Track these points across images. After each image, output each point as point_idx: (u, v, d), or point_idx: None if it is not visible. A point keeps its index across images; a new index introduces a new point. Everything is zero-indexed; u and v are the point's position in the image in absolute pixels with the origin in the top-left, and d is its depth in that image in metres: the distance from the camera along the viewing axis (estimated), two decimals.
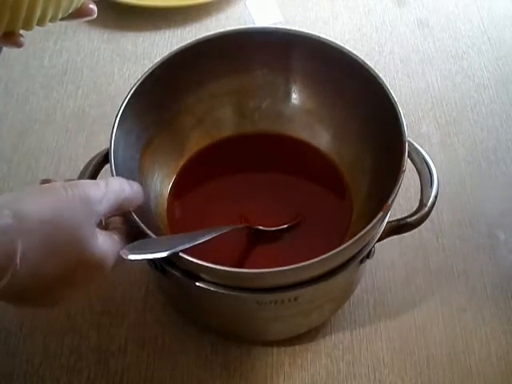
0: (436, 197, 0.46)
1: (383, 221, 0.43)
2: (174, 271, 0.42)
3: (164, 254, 0.37)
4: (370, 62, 0.48)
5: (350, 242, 0.39)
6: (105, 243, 0.36)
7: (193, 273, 0.41)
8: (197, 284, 0.42)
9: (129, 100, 0.46)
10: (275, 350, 0.51)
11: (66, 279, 0.35)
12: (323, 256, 0.38)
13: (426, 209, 0.46)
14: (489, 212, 0.60)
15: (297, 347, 0.52)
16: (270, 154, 0.54)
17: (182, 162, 0.53)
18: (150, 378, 0.50)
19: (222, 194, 0.52)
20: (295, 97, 0.54)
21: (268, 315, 0.46)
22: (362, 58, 0.49)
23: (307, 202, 0.51)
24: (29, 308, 0.38)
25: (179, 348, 0.52)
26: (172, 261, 0.41)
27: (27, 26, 0.40)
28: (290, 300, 0.43)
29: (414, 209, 0.47)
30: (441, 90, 0.70)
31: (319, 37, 0.49)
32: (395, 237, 0.47)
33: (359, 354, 0.52)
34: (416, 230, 0.47)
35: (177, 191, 0.52)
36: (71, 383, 0.50)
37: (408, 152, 0.50)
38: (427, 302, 0.54)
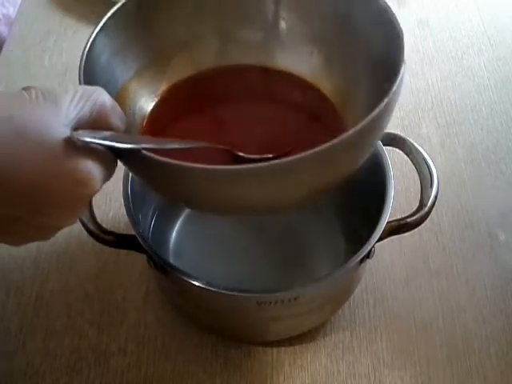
0: (436, 197, 0.46)
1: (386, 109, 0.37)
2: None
3: (124, 146, 0.32)
4: None
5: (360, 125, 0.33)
6: (87, 150, 0.31)
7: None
8: (197, 284, 0.42)
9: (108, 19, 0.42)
10: (275, 350, 0.51)
11: (46, 192, 0.30)
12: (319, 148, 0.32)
13: (426, 209, 0.46)
14: (489, 212, 0.60)
15: (297, 347, 0.52)
16: (257, 86, 0.50)
17: (162, 89, 0.48)
18: (150, 378, 0.50)
19: (205, 121, 0.47)
20: (284, 24, 0.49)
21: (268, 315, 0.46)
22: None
23: (296, 134, 0.46)
24: (15, 240, 0.33)
25: (179, 348, 0.52)
26: (135, 165, 0.36)
27: None
28: (290, 300, 0.43)
29: (414, 209, 0.47)
30: (441, 90, 0.70)
31: None
32: (395, 237, 0.47)
33: (359, 354, 0.51)
34: (416, 229, 0.47)
35: (155, 117, 0.47)
36: (71, 383, 0.50)
37: (408, 152, 0.50)
38: (427, 302, 0.54)
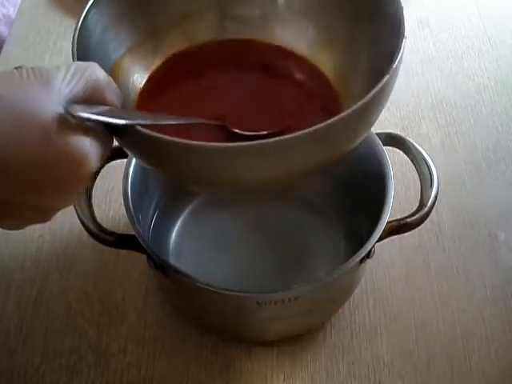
0: (436, 197, 0.47)
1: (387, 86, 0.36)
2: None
3: (119, 122, 0.32)
4: None
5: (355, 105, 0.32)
6: (82, 128, 0.30)
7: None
8: (197, 284, 0.42)
9: None
10: (275, 350, 0.51)
11: (41, 171, 0.30)
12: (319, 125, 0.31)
13: (426, 209, 0.46)
14: (489, 212, 0.60)
15: (297, 347, 0.52)
16: (253, 61, 0.49)
17: (156, 64, 0.47)
18: (150, 377, 0.50)
19: (199, 96, 0.46)
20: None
21: (268, 315, 0.46)
22: None
23: (292, 110, 0.45)
24: (14, 224, 0.33)
25: (179, 348, 0.52)
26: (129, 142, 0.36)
27: None
28: (290, 300, 0.43)
29: (414, 209, 0.47)
30: (441, 90, 0.70)
31: None
32: (395, 237, 0.47)
33: (359, 354, 0.51)
34: (416, 229, 0.47)
35: (149, 92, 0.46)
36: (71, 383, 0.50)
37: (408, 152, 0.50)
38: (427, 302, 0.54)
